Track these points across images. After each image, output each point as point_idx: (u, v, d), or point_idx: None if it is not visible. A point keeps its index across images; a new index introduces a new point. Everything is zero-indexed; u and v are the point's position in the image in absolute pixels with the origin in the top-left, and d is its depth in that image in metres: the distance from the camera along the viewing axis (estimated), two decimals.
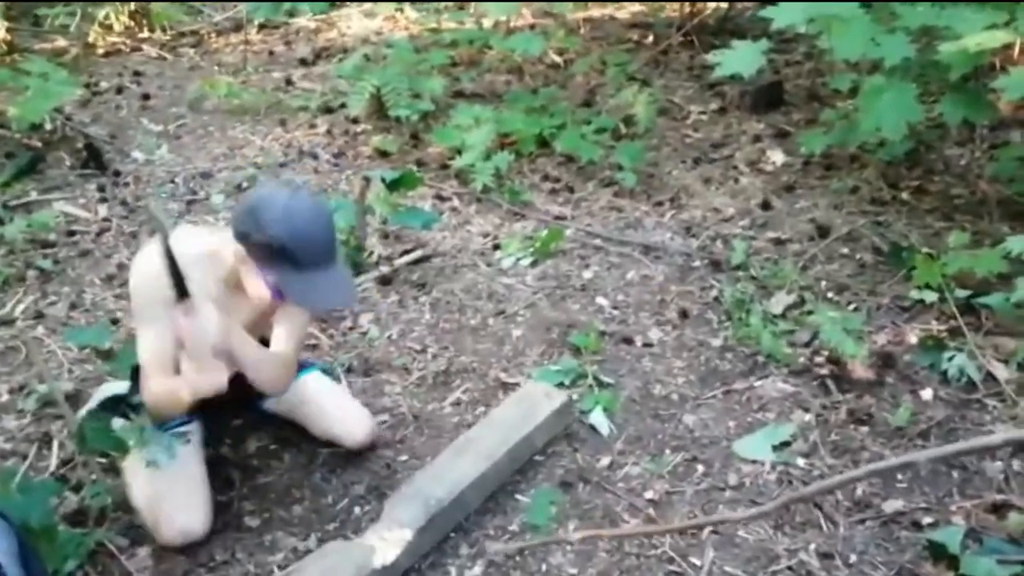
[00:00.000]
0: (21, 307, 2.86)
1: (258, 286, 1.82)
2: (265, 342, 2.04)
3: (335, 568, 1.85)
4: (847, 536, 2.09)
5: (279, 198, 1.77)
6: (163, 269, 1.78)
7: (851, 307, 2.86)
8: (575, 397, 2.51)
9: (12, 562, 1.42)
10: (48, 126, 4.04)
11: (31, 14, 5.77)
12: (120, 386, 2.22)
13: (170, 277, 1.77)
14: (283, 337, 2.03)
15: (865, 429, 2.39)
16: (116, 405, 2.11)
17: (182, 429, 2.05)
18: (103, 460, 2.14)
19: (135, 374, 2.10)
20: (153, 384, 1.91)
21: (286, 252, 1.74)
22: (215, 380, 1.87)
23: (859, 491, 2.21)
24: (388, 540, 1.92)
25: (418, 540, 1.96)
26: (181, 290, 1.79)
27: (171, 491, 1.96)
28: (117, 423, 2.06)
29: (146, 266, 1.86)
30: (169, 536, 1.95)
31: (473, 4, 5.57)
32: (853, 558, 2.03)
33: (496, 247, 3.31)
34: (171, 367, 1.91)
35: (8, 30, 5.07)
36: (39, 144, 3.99)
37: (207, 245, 1.93)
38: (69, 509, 2.06)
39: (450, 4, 5.72)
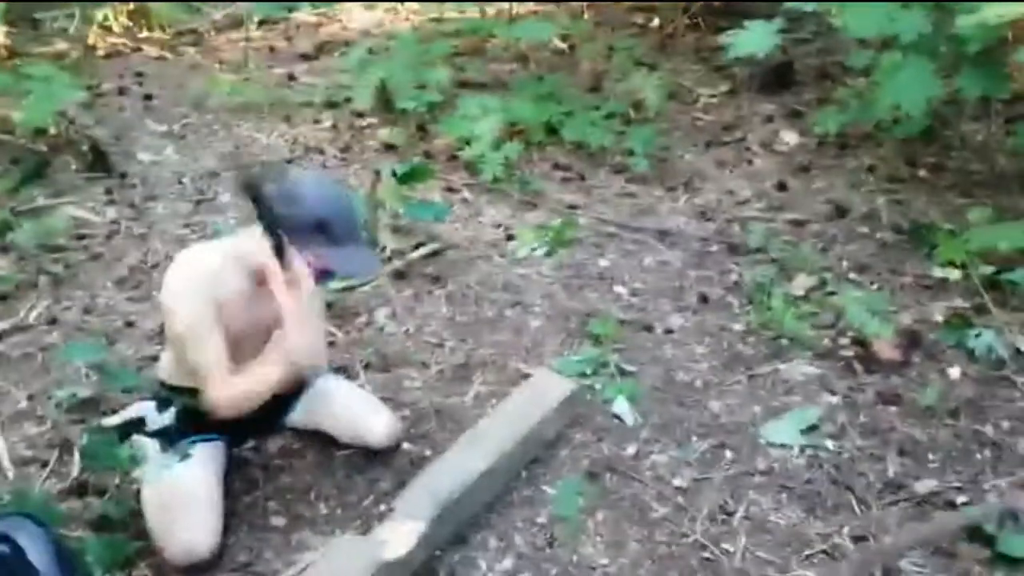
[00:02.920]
0: (35, 313, 2.83)
1: (302, 270, 1.87)
2: None
3: (347, 564, 1.83)
4: (880, 518, 2.06)
5: (310, 181, 1.91)
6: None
7: (874, 287, 2.82)
8: (597, 386, 2.48)
9: (52, 568, 1.41)
10: (53, 130, 4.00)
11: (30, 17, 5.73)
12: (147, 406, 2.18)
13: (271, 237, 1.84)
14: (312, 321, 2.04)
15: (894, 409, 2.36)
16: (138, 425, 2.09)
17: (196, 449, 2.02)
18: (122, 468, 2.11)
19: (160, 399, 2.10)
20: (226, 387, 1.91)
21: (325, 226, 1.84)
22: (317, 343, 1.94)
23: (891, 472, 2.18)
24: (399, 533, 1.90)
25: (431, 533, 1.93)
26: (280, 250, 1.85)
27: (180, 509, 1.93)
28: (137, 440, 2.04)
29: (181, 278, 1.88)
30: (173, 554, 1.91)
31: None
32: (887, 539, 1.99)
33: (509, 237, 3.28)
34: (229, 367, 1.93)
35: (7, 34, 5.04)
36: (44, 148, 3.95)
37: (232, 248, 1.96)
38: (94, 515, 2.04)
39: None
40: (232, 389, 1.93)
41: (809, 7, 3.19)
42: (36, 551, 1.44)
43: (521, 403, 2.28)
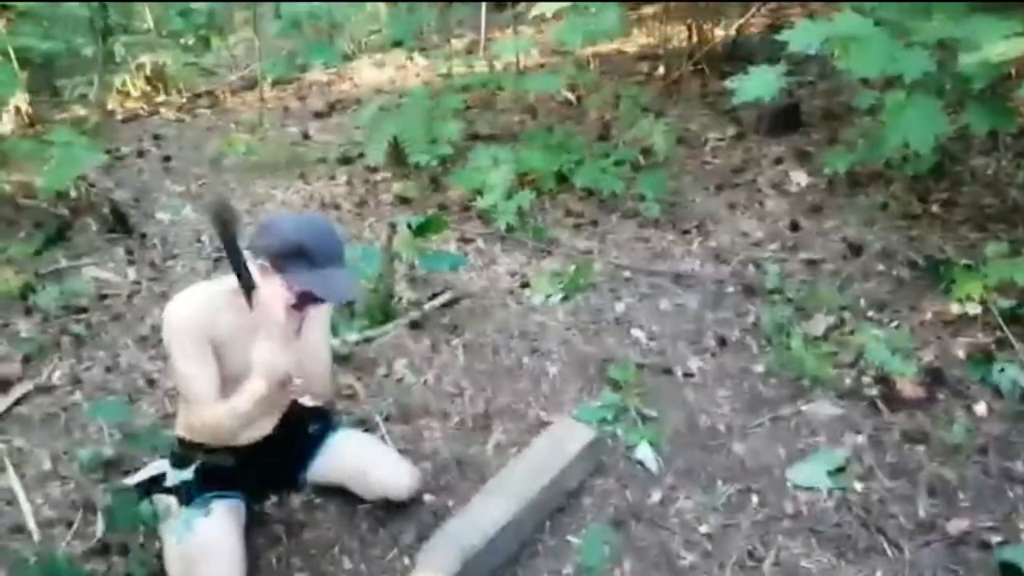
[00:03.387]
0: (58, 373, 2.85)
1: (280, 294, 1.93)
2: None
3: None
4: (913, 560, 2.02)
5: (289, 214, 1.88)
6: (201, 300, 1.91)
7: (893, 324, 2.81)
8: (619, 432, 2.46)
9: None
10: (73, 193, 4.08)
11: (50, 85, 5.90)
12: (165, 464, 2.19)
13: (236, 269, 1.89)
14: (316, 347, 2.12)
15: (921, 448, 2.33)
16: (160, 482, 2.10)
17: (213, 501, 2.02)
18: (145, 527, 2.11)
19: (177, 456, 2.12)
20: (210, 411, 1.96)
21: (303, 251, 1.88)
22: (286, 360, 1.94)
23: (922, 512, 2.15)
24: None
25: None
26: (248, 282, 1.91)
27: (204, 564, 1.93)
28: (160, 498, 2.05)
29: (179, 309, 1.94)
30: None
31: (483, 48, 5.64)
32: None
33: (525, 285, 3.29)
34: (219, 396, 1.96)
35: (30, 103, 5.17)
36: (66, 212, 4.03)
37: (228, 285, 2.00)
38: (118, 575, 2.03)
39: (459, 49, 5.79)
40: (217, 410, 1.96)
41: (812, 50, 3.22)
42: None
43: (542, 453, 2.27)
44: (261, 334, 1.96)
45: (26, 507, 2.29)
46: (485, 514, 2.07)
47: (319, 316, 2.14)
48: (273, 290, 1.92)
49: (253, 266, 1.93)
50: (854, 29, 3.00)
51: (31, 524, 2.23)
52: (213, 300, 1.96)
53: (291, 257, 1.88)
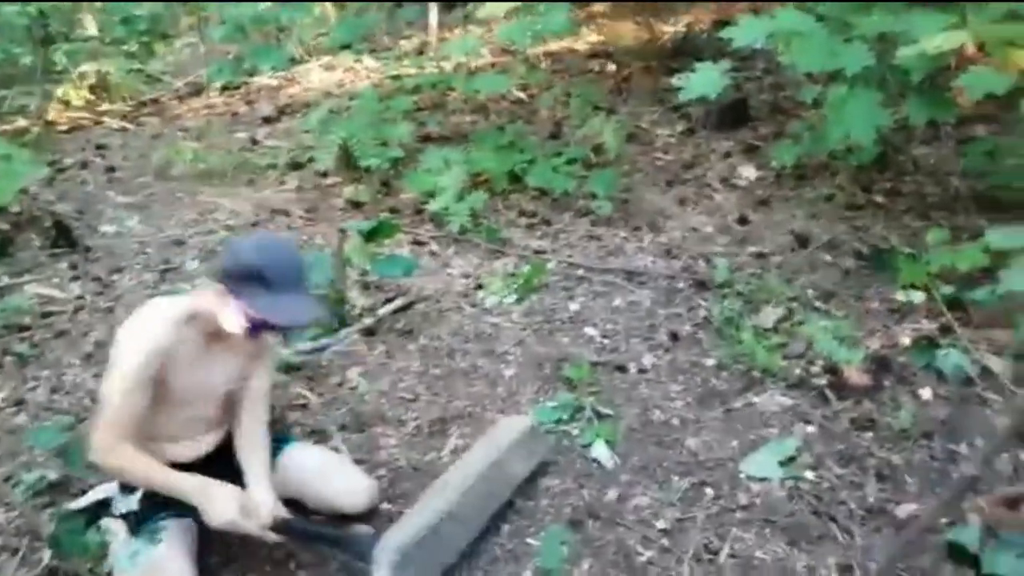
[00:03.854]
0: (1, 395, 2.78)
1: (235, 319, 1.89)
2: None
3: None
4: (865, 546, 2.06)
5: (250, 235, 1.96)
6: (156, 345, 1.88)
7: (840, 314, 2.86)
8: (575, 432, 2.47)
9: None
10: (15, 208, 3.98)
11: None
12: (112, 488, 2.14)
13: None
14: (260, 379, 2.13)
15: (869, 435, 2.37)
16: (106, 507, 2.05)
17: (162, 524, 1.98)
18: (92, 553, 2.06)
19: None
20: (111, 446, 1.91)
21: (258, 275, 1.84)
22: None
23: (871, 498, 2.19)
24: None
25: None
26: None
27: None
28: (105, 522, 2.00)
29: (137, 336, 1.90)
30: None
31: (433, 49, 5.62)
32: (873, 567, 1.99)
33: (479, 287, 3.29)
34: (130, 431, 1.92)
35: None
36: (7, 227, 3.92)
37: (190, 305, 1.98)
38: None
39: (409, 50, 5.77)
40: (114, 455, 1.91)
41: (757, 44, 3.27)
42: None
43: (480, 446, 2.29)
44: (215, 359, 1.94)
45: None
46: (425, 510, 2.06)
47: (271, 348, 2.13)
48: (229, 315, 1.89)
49: (210, 289, 1.90)
50: (796, 25, 3.05)
51: None
52: (174, 324, 1.92)
53: (247, 281, 1.85)
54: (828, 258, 3.18)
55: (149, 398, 1.92)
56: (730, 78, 3.18)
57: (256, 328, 1.90)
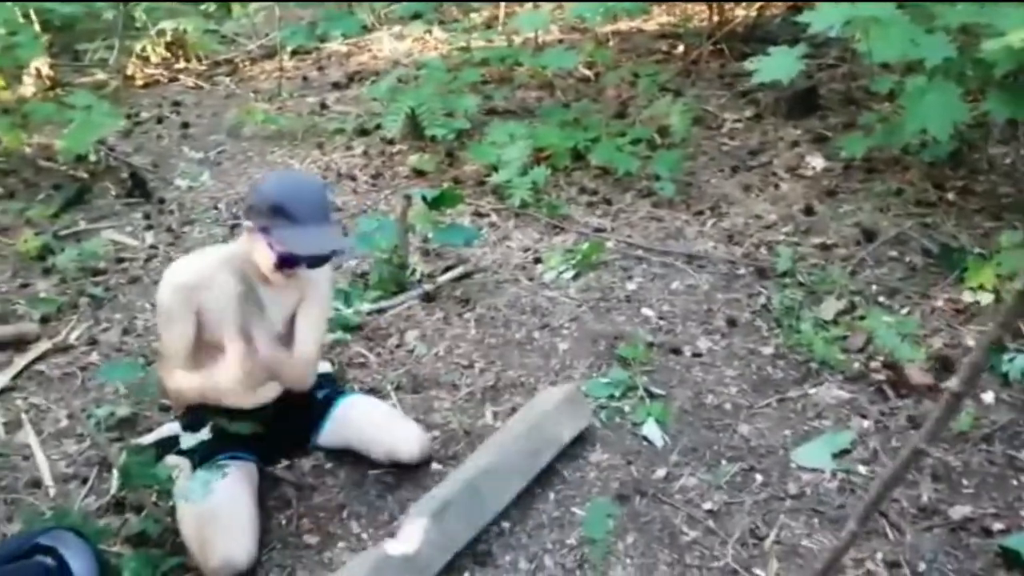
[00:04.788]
0: (76, 334, 2.90)
1: (264, 255, 1.98)
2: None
3: (354, 569, 1.87)
4: (914, 544, 2.04)
5: (274, 173, 2.08)
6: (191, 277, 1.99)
7: (904, 311, 2.81)
8: (626, 409, 2.49)
9: None
10: (93, 157, 4.13)
11: (71, 49, 5.92)
12: (178, 427, 2.24)
13: None
14: (304, 336, 2.17)
15: None
16: (173, 444, 2.14)
17: (227, 462, 2.06)
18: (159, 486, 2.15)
19: (185, 419, 2.18)
20: (178, 375, 2.08)
21: (281, 209, 1.92)
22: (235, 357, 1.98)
23: (924, 497, 2.16)
24: (404, 536, 1.93)
25: (436, 529, 1.94)
26: None
27: (218, 523, 1.97)
28: (171, 459, 2.09)
29: (174, 274, 2.02)
30: (214, 566, 1.95)
31: (501, 23, 5.62)
32: (922, 566, 1.98)
33: (537, 261, 3.31)
34: (182, 359, 2.07)
35: (51, 66, 5.21)
36: (85, 175, 4.07)
37: (230, 250, 2.10)
38: (131, 531, 2.08)
39: (479, 24, 5.77)
40: (172, 380, 2.08)
41: (833, 32, 3.20)
42: (79, 564, 1.48)
43: (522, 412, 2.35)
44: (253, 305, 2.02)
45: (42, 463, 2.34)
46: (466, 467, 2.14)
47: (316, 296, 2.18)
48: (259, 251, 1.99)
49: (244, 229, 2.01)
50: (876, 12, 2.97)
51: (47, 479, 2.29)
52: (210, 266, 2.03)
53: (272, 216, 1.93)
54: (894, 253, 3.13)
55: (192, 329, 2.03)
56: (803, 64, 3.12)
57: (285, 262, 1.99)
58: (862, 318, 2.74)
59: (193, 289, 2.00)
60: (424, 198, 3.26)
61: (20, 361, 2.75)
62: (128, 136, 4.61)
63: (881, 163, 3.74)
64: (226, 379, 2.02)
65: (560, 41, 5.42)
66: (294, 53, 5.93)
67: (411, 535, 1.92)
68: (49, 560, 1.46)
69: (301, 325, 2.17)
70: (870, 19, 2.99)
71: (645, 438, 2.39)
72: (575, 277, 3.17)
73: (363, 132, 4.54)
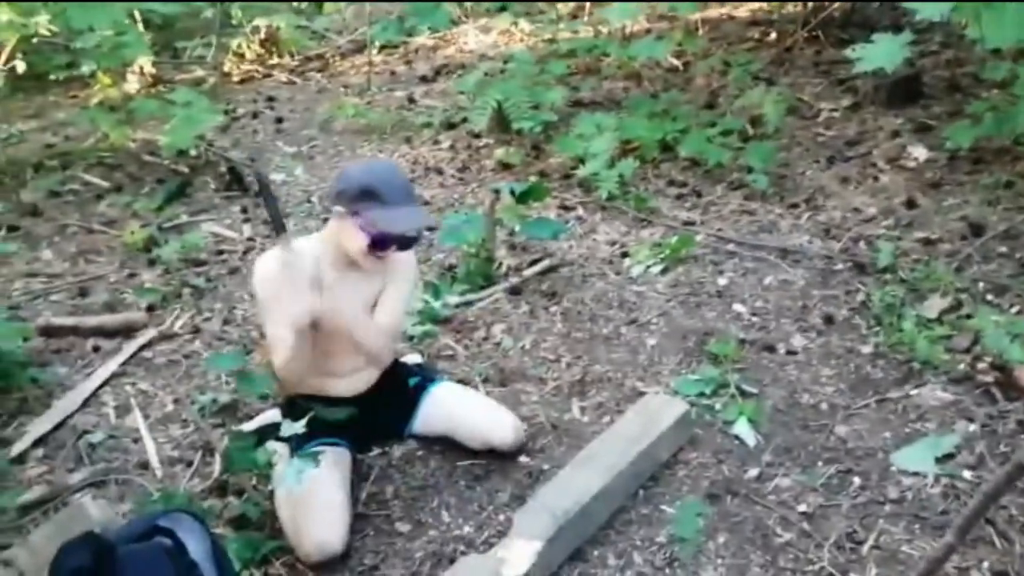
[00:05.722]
0: (179, 323, 3.03)
1: (355, 237, 2.04)
2: None
3: None
4: None
5: (359, 161, 2.01)
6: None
7: (1013, 310, 2.67)
8: (717, 407, 2.45)
9: (207, 563, 1.51)
10: (193, 152, 4.30)
11: (171, 47, 6.18)
12: (278, 414, 2.31)
13: (270, 215, 2.06)
14: (387, 308, 2.21)
15: None
16: (273, 431, 2.21)
17: (320, 448, 2.12)
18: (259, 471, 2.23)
19: (287, 406, 2.24)
20: (275, 358, 2.12)
21: (371, 191, 2.00)
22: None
23: None
24: (518, 552, 1.92)
25: (548, 551, 1.95)
26: (279, 225, 2.03)
27: (312, 508, 2.03)
28: (271, 444, 2.16)
29: (264, 264, 2.10)
30: (308, 550, 2.01)
31: (588, 14, 5.57)
32: None
33: (624, 255, 3.28)
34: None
35: (153, 64, 5.44)
36: (186, 169, 4.24)
37: (317, 238, 2.18)
38: (233, 514, 2.16)
39: (565, 15, 5.74)
40: (280, 366, 2.10)
41: (938, 17, 3.05)
42: (194, 545, 1.55)
43: (634, 424, 2.28)
44: (348, 285, 2.09)
45: (150, 446, 2.46)
46: (578, 483, 2.10)
47: (400, 277, 2.22)
48: (350, 234, 2.03)
49: (332, 216, 2.08)
50: None
51: (154, 462, 2.40)
52: (301, 254, 2.06)
53: (362, 199, 2.00)
54: (1003, 249, 2.97)
55: None
56: (908, 52, 2.99)
57: (376, 244, 2.04)
58: (968, 317, 2.62)
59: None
60: (512, 192, 3.27)
61: (128, 348, 2.89)
62: (226, 131, 4.77)
63: (989, 154, 3.56)
64: (278, 363, 2.08)
65: (648, 31, 5.35)
66: (382, 48, 6.03)
67: (523, 554, 1.92)
68: (168, 541, 1.54)
69: (384, 300, 2.21)
70: (982, 4, 2.84)
71: (737, 437, 2.35)
72: (663, 272, 3.13)
73: (450, 126, 4.58)
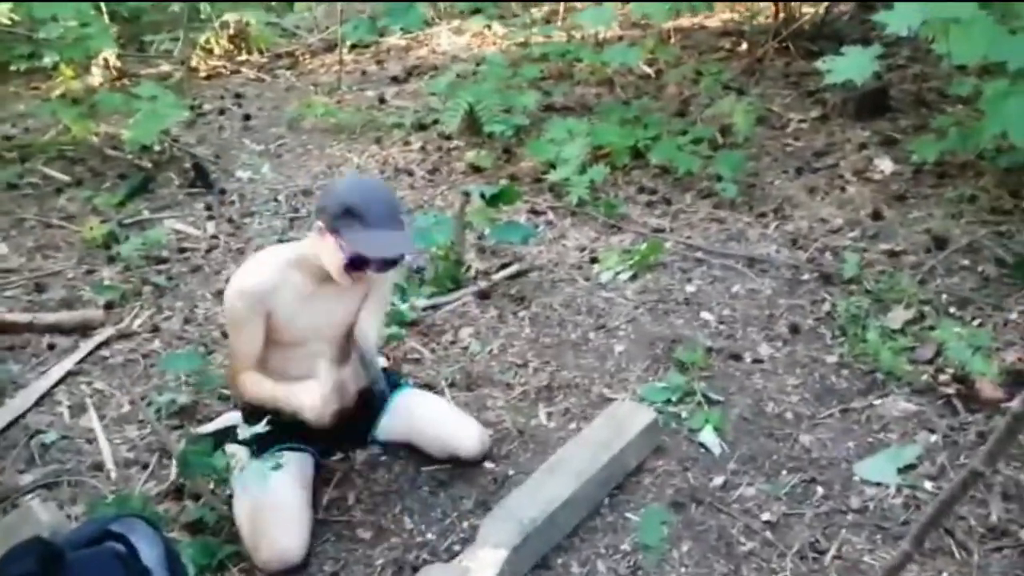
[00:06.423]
0: (138, 321, 2.96)
1: (333, 256, 1.99)
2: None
3: None
4: (983, 565, 1.96)
5: (346, 177, 1.99)
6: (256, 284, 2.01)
7: (976, 322, 2.71)
8: (683, 415, 2.44)
9: (160, 569, 1.47)
10: (157, 147, 4.21)
11: (137, 40, 6.06)
12: (237, 416, 2.26)
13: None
14: (365, 326, 2.18)
15: None
16: (232, 434, 2.17)
17: (284, 453, 2.07)
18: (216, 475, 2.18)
19: (246, 411, 2.18)
20: (242, 376, 2.09)
21: (354, 211, 1.93)
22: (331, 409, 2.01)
23: (994, 517, 2.08)
24: (483, 561, 1.90)
25: (514, 560, 1.93)
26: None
27: (272, 515, 1.99)
28: (230, 448, 2.11)
29: (243, 280, 2.04)
30: (266, 558, 1.97)
31: (561, 18, 5.57)
32: None
33: (594, 261, 3.27)
34: (251, 362, 2.09)
35: (118, 57, 5.33)
36: (149, 165, 4.16)
37: (297, 248, 2.10)
38: (189, 519, 2.11)
39: (538, 19, 5.74)
40: (251, 386, 2.08)
41: (906, 32, 3.09)
42: (147, 551, 1.50)
43: (602, 431, 2.27)
44: (324, 300, 2.05)
45: (105, 447, 2.39)
46: (545, 490, 2.08)
47: (379, 290, 2.21)
48: (328, 252, 1.99)
49: (313, 229, 2.02)
50: (957, 11, 2.86)
51: (109, 464, 2.34)
52: (280, 269, 2.04)
53: (343, 218, 1.94)
54: (966, 262, 3.01)
55: (262, 333, 2.05)
56: (876, 65, 3.03)
57: (353, 264, 1.99)
58: (932, 329, 2.65)
59: (262, 294, 2.01)
60: (482, 195, 3.25)
61: (85, 346, 2.81)
62: (191, 127, 4.69)
63: (954, 168, 3.61)
64: (310, 401, 2.00)
65: (620, 38, 5.36)
66: (354, 47, 5.97)
67: (488, 563, 1.90)
68: (120, 546, 1.49)
69: (363, 315, 2.19)
70: (950, 19, 2.88)
71: (702, 445, 2.35)
72: (632, 278, 3.12)
73: (421, 127, 4.54)
